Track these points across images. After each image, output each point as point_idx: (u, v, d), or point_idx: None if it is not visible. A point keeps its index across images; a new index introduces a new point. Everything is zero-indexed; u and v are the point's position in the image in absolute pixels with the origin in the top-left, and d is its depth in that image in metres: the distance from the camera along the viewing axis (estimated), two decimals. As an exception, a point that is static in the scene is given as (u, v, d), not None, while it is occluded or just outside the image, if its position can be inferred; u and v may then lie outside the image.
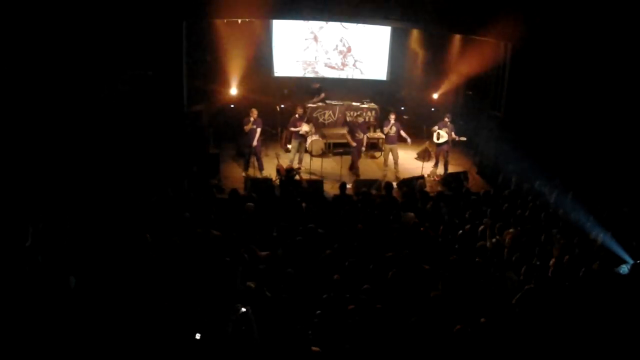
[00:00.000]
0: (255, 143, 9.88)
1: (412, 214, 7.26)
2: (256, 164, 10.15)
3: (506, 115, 10.54)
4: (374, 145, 12.06)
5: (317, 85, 12.62)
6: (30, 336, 3.81)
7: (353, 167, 10.64)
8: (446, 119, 10.57)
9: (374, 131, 12.22)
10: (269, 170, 10.12)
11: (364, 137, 10.75)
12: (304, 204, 7.44)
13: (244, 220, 6.62)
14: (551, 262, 5.76)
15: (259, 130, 9.88)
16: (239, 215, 6.80)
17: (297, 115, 10.43)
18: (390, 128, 10.42)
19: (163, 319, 4.20)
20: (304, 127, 10.43)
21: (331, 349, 4.10)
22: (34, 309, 4.10)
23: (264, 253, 5.67)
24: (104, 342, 3.90)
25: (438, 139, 10.61)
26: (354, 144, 10.48)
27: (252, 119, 9.68)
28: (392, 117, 10.52)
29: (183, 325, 4.10)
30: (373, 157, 11.90)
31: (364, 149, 10.99)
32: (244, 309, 4.03)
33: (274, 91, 12.23)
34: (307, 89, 12.61)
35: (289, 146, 10.94)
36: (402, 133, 10.55)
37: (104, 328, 4.03)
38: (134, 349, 3.90)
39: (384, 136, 10.92)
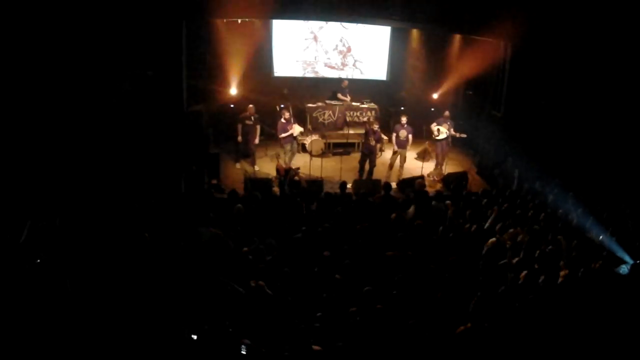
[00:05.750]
0: (257, 140, 10.25)
1: (412, 209, 7.25)
2: (249, 159, 10.40)
3: (506, 115, 10.54)
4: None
5: (346, 83, 12.46)
6: (27, 336, 3.80)
7: (362, 173, 10.18)
8: (446, 115, 10.53)
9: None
10: (269, 170, 10.11)
11: (377, 146, 10.25)
12: (304, 204, 7.43)
13: (236, 221, 6.61)
14: (561, 266, 5.71)
15: (258, 127, 10.16)
16: (233, 217, 6.79)
17: (283, 120, 10.11)
18: (402, 131, 10.09)
19: (162, 319, 4.19)
20: (296, 129, 10.35)
21: (332, 348, 4.09)
22: (31, 308, 4.09)
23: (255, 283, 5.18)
24: (101, 342, 3.89)
25: (438, 134, 10.57)
26: (373, 143, 9.90)
27: (248, 114, 10.00)
28: (404, 119, 10.15)
29: (182, 326, 4.09)
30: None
31: (379, 154, 10.81)
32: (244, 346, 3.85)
33: (273, 91, 12.22)
34: (337, 87, 12.48)
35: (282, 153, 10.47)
36: (410, 136, 10.13)
37: (101, 328, 4.02)
38: (132, 350, 3.89)
39: (387, 138, 10.81)
